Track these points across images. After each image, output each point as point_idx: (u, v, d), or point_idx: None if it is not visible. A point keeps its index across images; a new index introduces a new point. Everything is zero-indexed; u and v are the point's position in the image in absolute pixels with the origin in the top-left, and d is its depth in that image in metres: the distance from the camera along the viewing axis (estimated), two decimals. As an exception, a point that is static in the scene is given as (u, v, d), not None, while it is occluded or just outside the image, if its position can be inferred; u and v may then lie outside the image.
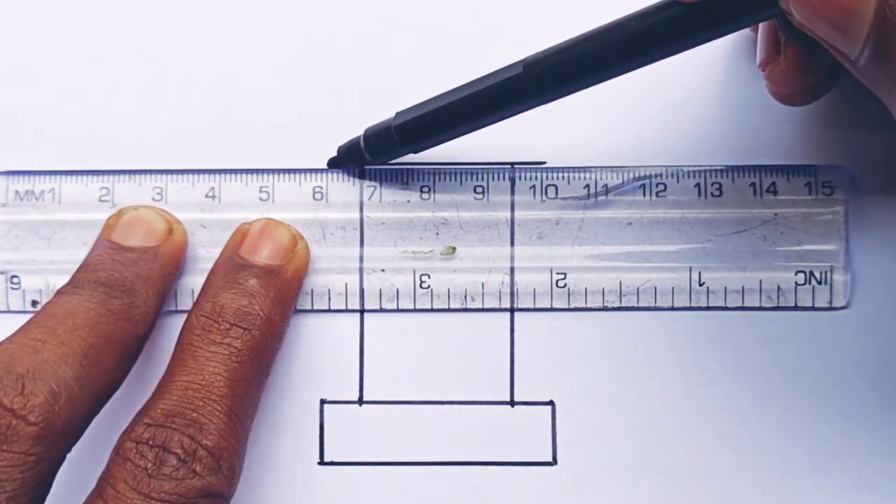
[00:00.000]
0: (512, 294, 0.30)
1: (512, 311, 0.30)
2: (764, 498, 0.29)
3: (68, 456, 0.25)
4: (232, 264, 0.28)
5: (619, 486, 0.30)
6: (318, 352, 0.30)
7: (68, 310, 0.26)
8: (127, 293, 0.27)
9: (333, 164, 0.30)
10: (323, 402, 0.30)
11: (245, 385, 0.26)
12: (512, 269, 0.30)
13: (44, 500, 0.24)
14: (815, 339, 0.30)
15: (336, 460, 0.30)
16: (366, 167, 0.30)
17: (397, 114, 0.29)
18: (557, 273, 0.30)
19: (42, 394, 0.23)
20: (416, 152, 0.29)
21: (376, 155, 0.29)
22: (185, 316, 0.28)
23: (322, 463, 0.30)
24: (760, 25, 0.27)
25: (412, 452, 0.30)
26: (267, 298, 0.28)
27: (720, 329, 0.30)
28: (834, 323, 0.30)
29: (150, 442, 0.24)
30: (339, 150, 0.30)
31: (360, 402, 0.30)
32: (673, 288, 0.30)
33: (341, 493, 0.30)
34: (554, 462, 0.30)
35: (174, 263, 0.29)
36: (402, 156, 0.29)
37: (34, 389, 0.23)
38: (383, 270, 0.30)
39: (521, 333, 0.30)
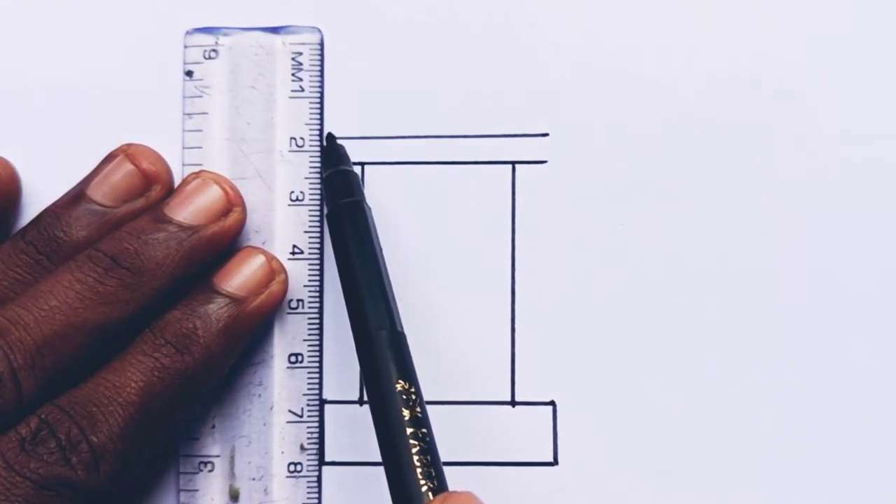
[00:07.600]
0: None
1: (513, 308, 0.30)
2: (766, 498, 0.29)
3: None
4: (203, 286, 0.28)
5: (620, 486, 0.29)
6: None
7: (50, 289, 0.26)
8: (131, 272, 0.27)
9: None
10: (323, 401, 0.30)
11: (158, 401, 0.26)
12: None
13: None
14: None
15: (336, 460, 0.30)
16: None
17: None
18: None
19: None
20: None
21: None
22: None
23: (322, 463, 0.30)
24: None
25: (412, 452, 0.30)
26: (215, 328, 0.27)
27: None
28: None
29: (42, 415, 0.24)
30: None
31: (361, 402, 0.30)
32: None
33: (341, 493, 0.30)
34: (555, 462, 0.30)
35: (207, 250, 0.28)
36: None
37: None
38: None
39: (522, 332, 0.30)
